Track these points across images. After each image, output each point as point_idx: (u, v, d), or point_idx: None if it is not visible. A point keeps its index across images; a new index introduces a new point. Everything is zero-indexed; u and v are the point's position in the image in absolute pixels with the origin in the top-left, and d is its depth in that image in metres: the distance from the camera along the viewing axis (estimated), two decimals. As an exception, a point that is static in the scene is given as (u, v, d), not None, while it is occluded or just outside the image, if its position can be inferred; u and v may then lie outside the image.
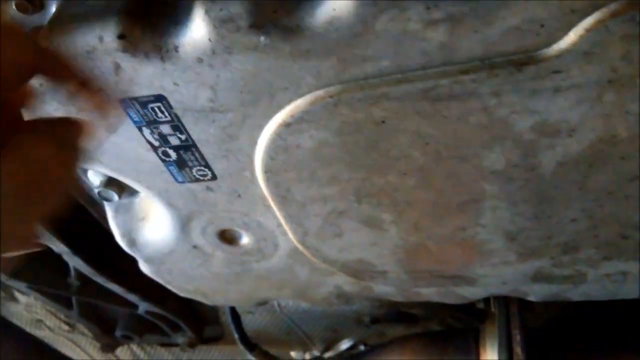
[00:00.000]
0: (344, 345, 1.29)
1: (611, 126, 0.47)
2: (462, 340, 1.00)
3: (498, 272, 0.67)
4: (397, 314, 1.15)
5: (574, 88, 0.44)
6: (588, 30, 0.40)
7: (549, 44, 0.42)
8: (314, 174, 0.58)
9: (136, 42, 0.49)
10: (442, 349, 1.00)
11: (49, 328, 1.52)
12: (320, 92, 0.49)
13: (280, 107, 0.52)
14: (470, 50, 0.44)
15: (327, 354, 1.33)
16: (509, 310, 0.94)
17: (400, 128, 0.51)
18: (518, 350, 0.90)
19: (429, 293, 0.76)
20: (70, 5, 0.53)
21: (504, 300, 0.93)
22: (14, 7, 0.55)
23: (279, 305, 1.18)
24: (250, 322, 1.23)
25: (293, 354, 1.38)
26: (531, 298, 0.73)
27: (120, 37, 0.48)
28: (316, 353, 1.34)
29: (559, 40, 0.42)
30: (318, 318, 1.21)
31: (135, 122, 0.56)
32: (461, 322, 1.14)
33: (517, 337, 0.91)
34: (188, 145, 0.58)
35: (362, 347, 1.27)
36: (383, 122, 0.51)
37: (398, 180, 0.57)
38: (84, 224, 0.91)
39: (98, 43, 0.49)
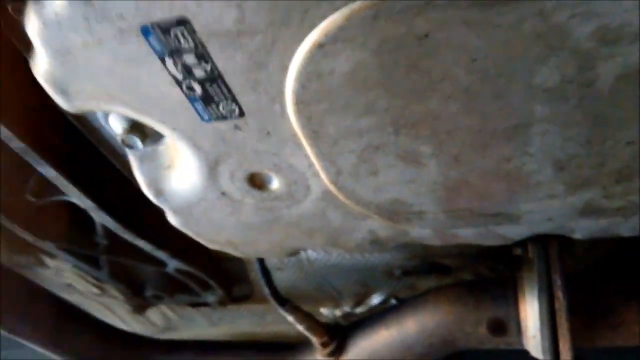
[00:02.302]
0: (375, 299, 1.27)
1: (683, 27, 0.42)
2: (499, 288, 0.97)
3: (544, 207, 0.63)
4: (429, 265, 1.13)
5: (644, -18, 0.39)
6: None
7: None
8: (349, 104, 0.54)
9: (156, -43, 0.45)
10: (479, 298, 0.97)
11: (79, 292, 1.52)
12: (356, 4, 0.45)
13: (313, 25, 0.48)
14: (526, -58, 0.39)
15: (358, 309, 1.31)
16: (549, 254, 0.90)
17: (445, 42, 0.47)
18: (559, 294, 0.86)
19: (468, 234, 0.73)
20: None
21: (543, 245, 0.90)
22: None
23: (307, 260, 1.16)
24: (279, 279, 1.21)
25: (323, 310, 1.37)
26: (577, 235, 0.69)
27: (139, -49, 0.45)
28: (347, 309, 1.33)
29: None
30: (348, 272, 1.19)
31: (157, 52, 0.53)
32: (495, 272, 1.11)
33: (557, 282, 0.87)
34: (214, 77, 0.55)
35: (393, 301, 1.25)
36: (426, 35, 0.46)
37: (440, 105, 0.53)
38: (109, 177, 0.90)
39: (115, -40, 0.45)
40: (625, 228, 0.66)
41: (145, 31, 0.51)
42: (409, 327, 1.02)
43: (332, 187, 0.66)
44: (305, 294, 1.26)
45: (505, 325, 0.94)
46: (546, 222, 0.67)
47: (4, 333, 1.20)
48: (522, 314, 0.92)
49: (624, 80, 0.47)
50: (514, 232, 0.71)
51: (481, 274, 1.12)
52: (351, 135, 0.58)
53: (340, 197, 0.68)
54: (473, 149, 0.57)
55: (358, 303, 1.28)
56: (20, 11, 0.55)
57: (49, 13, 0.51)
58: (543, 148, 0.55)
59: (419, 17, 0.45)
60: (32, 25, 0.53)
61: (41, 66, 0.58)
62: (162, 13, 0.49)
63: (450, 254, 1.09)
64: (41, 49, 0.55)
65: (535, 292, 0.88)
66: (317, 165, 0.63)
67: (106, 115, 0.68)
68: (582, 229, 0.68)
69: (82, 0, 0.49)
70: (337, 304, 1.31)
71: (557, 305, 0.86)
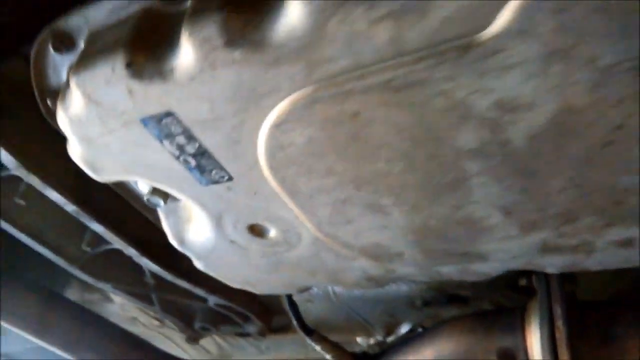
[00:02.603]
0: (404, 329, 1.33)
1: (566, 96, 0.48)
2: (508, 318, 1.01)
3: (505, 247, 0.69)
4: (447, 296, 1.18)
5: (520, 64, 0.47)
6: (515, 12, 0.43)
7: (484, 27, 0.45)
8: (312, 167, 0.64)
9: (141, 68, 0.58)
10: (489, 328, 1.02)
11: (142, 324, 1.70)
12: (297, 94, 0.56)
13: (268, 110, 0.58)
14: (416, 41, 0.48)
15: (389, 338, 1.38)
16: (550, 285, 0.94)
17: (373, 118, 0.56)
18: (559, 324, 0.90)
19: (449, 271, 0.79)
20: (93, 42, 0.63)
21: (545, 276, 0.94)
22: (50, 48, 0.67)
23: (333, 292, 1.25)
24: (310, 310, 1.31)
25: (359, 339, 1.44)
26: (549, 270, 0.74)
27: (128, 65, 0.58)
28: (379, 337, 1.40)
29: (492, 24, 0.45)
30: (373, 303, 1.26)
31: (155, 136, 0.65)
32: (512, 300, 1.14)
33: (558, 312, 0.91)
34: (203, 152, 0.67)
35: (420, 330, 1.31)
36: (357, 114, 0.56)
37: (386, 166, 0.61)
38: (151, 226, 1.04)
39: (111, 73, 0.59)
40: (590, 263, 0.70)
41: (144, 121, 0.64)
42: (426, 355, 1.08)
43: (318, 234, 0.76)
44: (336, 324, 1.35)
45: (514, 354, 0.97)
46: (513, 259, 0.72)
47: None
48: (528, 343, 0.95)
49: (537, 139, 0.54)
50: (487, 268, 0.76)
51: (498, 303, 1.16)
52: (321, 191, 0.68)
53: (327, 242, 0.77)
54: (426, 199, 0.65)
55: (389, 332, 1.34)
56: (53, 115, 0.70)
57: (72, 114, 0.65)
58: (486, 197, 0.62)
59: (346, 101, 0.54)
60: (62, 121, 0.68)
61: (73, 149, 0.72)
62: (154, 109, 0.61)
63: (466, 285, 1.14)
64: (71, 136, 0.70)
65: (538, 322, 0.92)
66: (301, 217, 0.73)
67: (135, 181, 0.82)
68: (550, 265, 0.72)
69: (94, 104, 0.62)
70: (369, 334, 1.38)
71: (557, 335, 0.90)
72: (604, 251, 0.66)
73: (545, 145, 0.54)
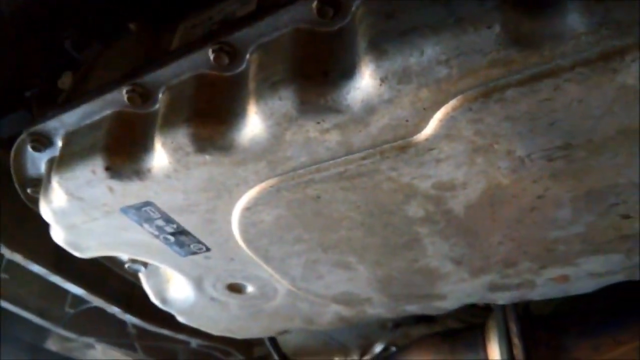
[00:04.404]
0: (377, 348, 1.42)
1: (492, 177, 0.57)
2: (470, 336, 1.10)
3: (459, 288, 0.78)
4: (415, 317, 1.27)
5: (450, 158, 0.55)
6: (441, 120, 0.51)
7: (417, 131, 0.53)
8: (282, 238, 0.71)
9: (119, 170, 0.64)
10: (453, 346, 1.11)
11: (126, 365, 1.73)
12: (263, 184, 0.63)
13: (238, 197, 0.65)
14: (361, 142, 0.56)
15: (365, 358, 1.46)
16: (505, 305, 1.04)
17: (332, 199, 0.63)
18: (516, 340, 1.00)
19: (414, 309, 0.88)
20: (70, 143, 0.69)
21: (500, 296, 1.03)
22: (29, 148, 0.72)
23: (310, 323, 1.33)
24: (289, 340, 1.38)
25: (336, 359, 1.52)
26: (500, 302, 0.83)
27: (107, 169, 0.63)
28: (356, 358, 1.48)
29: (423, 129, 0.53)
30: (348, 328, 1.34)
31: (135, 221, 0.71)
32: (474, 316, 1.24)
33: (513, 329, 1.01)
34: (181, 231, 0.73)
35: (393, 349, 1.39)
36: (318, 197, 0.63)
37: (348, 233, 0.69)
38: (130, 283, 1.09)
39: (92, 175, 0.64)
40: (535, 295, 0.79)
41: (124, 211, 0.69)
42: (399, 375, 1.16)
43: (292, 289, 0.83)
44: (314, 349, 1.42)
45: (479, 369, 1.07)
46: (467, 297, 0.81)
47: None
48: (490, 358, 1.05)
49: (473, 208, 0.62)
50: (446, 305, 0.85)
51: (463, 320, 1.26)
52: (292, 255, 0.75)
53: (301, 294, 0.84)
54: (386, 256, 0.73)
55: (364, 353, 1.43)
56: (34, 201, 0.75)
57: (55, 206, 0.70)
58: (437, 252, 0.70)
59: (307, 188, 0.62)
60: (45, 212, 0.73)
61: (56, 234, 0.77)
62: (133, 201, 0.67)
63: (431, 305, 1.23)
64: (54, 224, 0.75)
65: (497, 339, 1.02)
66: (276, 277, 0.80)
67: (113, 251, 0.87)
68: (500, 298, 0.82)
69: (77, 200, 0.68)
70: (346, 354, 1.46)
71: (515, 351, 1.00)
72: (544, 286, 0.76)
73: (481, 212, 0.63)
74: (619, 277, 0.74)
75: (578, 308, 1.09)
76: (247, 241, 0.72)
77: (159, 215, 0.70)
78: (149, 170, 0.63)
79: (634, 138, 0.51)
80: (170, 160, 0.60)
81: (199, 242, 0.75)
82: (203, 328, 1.01)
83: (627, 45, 0.43)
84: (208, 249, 0.77)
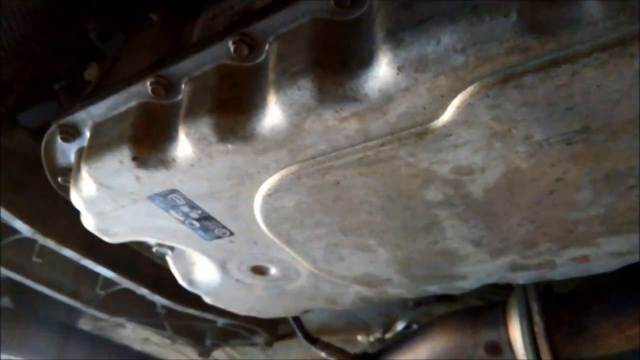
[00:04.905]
0: (400, 326, 1.44)
1: (511, 161, 0.58)
2: (492, 313, 1.11)
3: (480, 269, 0.79)
4: (436, 296, 1.28)
5: (468, 143, 0.56)
6: (458, 107, 0.52)
7: (435, 118, 0.54)
8: (303, 223, 0.73)
9: (146, 159, 0.66)
10: (475, 324, 1.12)
11: (155, 343, 1.79)
12: (284, 171, 0.64)
13: (259, 183, 0.67)
14: (380, 130, 0.56)
15: (388, 335, 1.49)
16: (526, 284, 1.04)
17: (352, 185, 0.64)
18: (537, 319, 1.01)
19: (434, 289, 0.89)
20: (98, 134, 0.71)
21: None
22: (59, 139, 0.75)
23: (332, 302, 1.35)
24: (312, 318, 1.41)
25: (359, 337, 1.55)
26: (520, 282, 0.84)
27: (134, 159, 0.66)
28: (378, 335, 1.51)
29: (441, 116, 0.53)
30: (370, 307, 1.36)
31: (162, 208, 0.74)
32: (496, 294, 1.25)
33: (534, 308, 1.02)
34: (205, 217, 0.75)
35: (415, 326, 1.42)
36: (338, 183, 0.64)
37: (369, 217, 0.70)
38: (158, 265, 1.12)
39: (120, 165, 0.67)
40: (555, 275, 0.80)
41: (151, 198, 0.72)
42: (420, 353, 1.18)
43: (314, 270, 0.85)
44: (337, 327, 1.45)
45: (500, 346, 1.08)
46: (488, 277, 0.82)
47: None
48: (511, 337, 1.06)
49: (492, 192, 0.63)
50: (467, 285, 0.86)
51: (484, 297, 1.27)
52: (314, 239, 0.77)
53: (323, 275, 0.86)
54: (406, 239, 0.74)
55: (386, 330, 1.45)
56: (65, 189, 0.78)
57: (85, 195, 0.73)
58: (457, 234, 0.71)
59: (327, 174, 0.63)
60: (75, 200, 0.76)
61: (87, 221, 0.80)
62: (159, 189, 0.70)
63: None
64: (85, 212, 0.78)
65: (518, 318, 1.03)
66: (298, 259, 0.82)
67: (141, 236, 0.90)
68: (521, 278, 0.82)
69: (105, 188, 0.70)
70: (368, 332, 1.49)
71: (535, 329, 1.01)
72: (565, 266, 0.76)
73: (500, 195, 0.63)
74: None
75: (599, 286, 1.09)
76: (270, 226, 0.74)
77: (184, 202, 0.72)
78: (174, 160, 0.65)
79: (653, 121, 0.51)
80: (194, 149, 0.62)
81: (223, 227, 0.77)
82: (229, 308, 1.05)
83: (645, 30, 0.43)
84: (232, 234, 0.79)
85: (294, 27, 0.58)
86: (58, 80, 0.90)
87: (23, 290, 1.22)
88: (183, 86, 0.66)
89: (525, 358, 1.02)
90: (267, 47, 0.61)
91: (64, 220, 0.97)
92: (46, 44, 0.95)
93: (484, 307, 1.21)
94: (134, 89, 0.67)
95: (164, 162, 0.66)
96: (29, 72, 0.95)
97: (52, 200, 0.94)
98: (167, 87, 0.66)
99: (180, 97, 0.67)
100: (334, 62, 0.55)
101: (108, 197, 0.73)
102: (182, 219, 0.76)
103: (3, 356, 1.40)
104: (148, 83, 0.66)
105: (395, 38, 0.50)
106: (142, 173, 0.67)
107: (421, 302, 1.31)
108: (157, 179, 0.68)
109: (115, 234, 0.82)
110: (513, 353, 1.06)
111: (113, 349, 1.56)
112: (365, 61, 0.53)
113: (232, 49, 0.61)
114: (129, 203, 0.73)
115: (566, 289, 1.18)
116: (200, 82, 0.64)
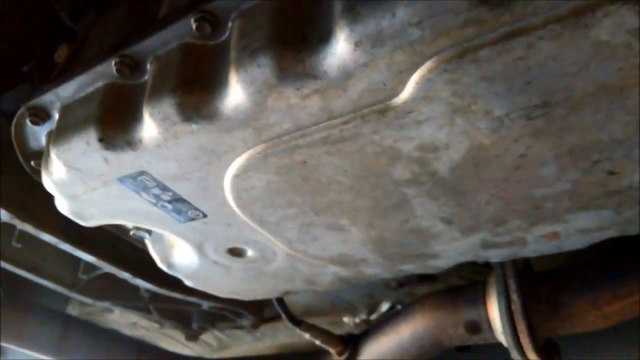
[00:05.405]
0: (384, 307, 1.45)
1: (474, 138, 0.58)
2: (471, 292, 1.12)
3: (452, 247, 0.79)
4: (417, 276, 1.29)
5: (430, 119, 0.56)
6: (417, 83, 0.51)
7: (395, 94, 0.54)
8: (275, 202, 0.73)
9: (112, 140, 0.66)
10: (455, 303, 1.13)
11: (144, 328, 1.80)
12: (250, 151, 0.64)
13: (228, 164, 0.67)
14: (342, 107, 0.56)
15: (373, 316, 1.50)
16: (504, 262, 1.05)
17: (319, 164, 0.64)
18: (514, 297, 1.02)
19: (410, 268, 0.90)
20: (66, 115, 0.71)
21: (499, 254, 1.05)
22: (28, 121, 0.74)
23: (316, 284, 1.36)
24: (297, 301, 1.42)
25: (345, 319, 1.56)
26: (493, 260, 0.84)
27: (100, 140, 0.65)
28: (363, 316, 1.52)
29: (401, 92, 0.53)
30: (354, 288, 1.37)
31: (133, 190, 0.74)
32: (476, 273, 1.26)
33: (512, 286, 1.03)
34: (177, 198, 0.75)
35: (399, 307, 1.43)
36: (305, 162, 0.64)
37: (338, 196, 0.70)
38: (139, 249, 1.13)
39: (87, 147, 0.66)
40: (526, 252, 0.80)
41: (122, 180, 0.72)
42: (403, 333, 1.20)
43: (290, 251, 0.86)
44: (323, 309, 1.46)
45: (479, 325, 1.09)
46: (461, 255, 0.82)
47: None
48: (490, 315, 1.07)
49: (458, 169, 0.63)
50: (441, 263, 0.87)
51: (466, 278, 1.28)
52: (286, 219, 0.77)
53: (299, 256, 0.87)
54: (378, 218, 0.74)
55: (371, 311, 1.46)
56: (38, 173, 0.78)
57: (56, 178, 0.73)
58: (427, 212, 0.72)
59: (294, 153, 0.63)
60: (47, 183, 0.75)
61: (61, 204, 0.80)
62: (128, 170, 0.69)
63: (434, 264, 1.25)
64: (57, 195, 0.77)
65: (496, 296, 1.04)
66: (273, 240, 0.83)
67: (118, 219, 0.90)
68: (494, 256, 0.83)
69: (75, 170, 0.70)
70: (354, 314, 1.50)
71: (513, 307, 1.01)
72: (536, 243, 0.77)
73: (466, 172, 0.63)
74: (611, 233, 0.74)
75: (579, 263, 1.10)
76: (241, 207, 0.74)
77: (155, 184, 0.72)
78: (140, 141, 0.65)
79: (613, 94, 0.51)
80: (159, 130, 0.62)
81: (196, 208, 0.77)
82: (210, 291, 1.05)
83: (598, 1, 0.43)
84: (205, 215, 0.79)
85: (257, 3, 0.58)
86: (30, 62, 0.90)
87: (11, 279, 1.23)
88: (148, 65, 0.65)
89: (503, 336, 1.03)
90: (230, 24, 0.60)
91: (42, 204, 0.97)
92: (18, 26, 0.94)
93: (464, 286, 1.22)
94: (100, 69, 0.67)
95: (131, 144, 0.66)
96: (2, 54, 0.94)
97: (31, 185, 0.94)
98: (132, 66, 0.65)
99: (146, 77, 0.66)
100: (295, 37, 0.54)
101: (78, 180, 0.72)
102: (154, 201, 0.76)
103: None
104: (113, 63, 0.65)
105: (352, 12, 0.49)
106: (109, 155, 0.67)
107: (404, 282, 1.31)
108: (125, 161, 0.68)
109: (89, 217, 0.82)
110: (492, 331, 1.07)
111: (113, 338, 1.57)
112: (325, 37, 0.52)
113: (194, 26, 0.60)
114: (99, 185, 0.73)
115: (549, 267, 1.19)
116: (165, 61, 0.63)
